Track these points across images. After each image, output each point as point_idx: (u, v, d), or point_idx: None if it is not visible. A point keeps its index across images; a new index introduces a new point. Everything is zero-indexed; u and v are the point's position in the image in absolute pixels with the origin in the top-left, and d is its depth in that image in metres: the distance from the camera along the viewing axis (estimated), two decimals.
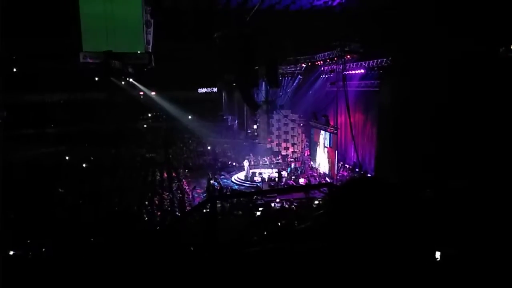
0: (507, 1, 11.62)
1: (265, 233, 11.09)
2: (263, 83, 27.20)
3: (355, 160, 21.73)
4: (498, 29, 11.78)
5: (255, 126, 31.33)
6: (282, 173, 23.41)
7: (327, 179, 22.29)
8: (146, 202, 18.94)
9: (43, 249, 9.99)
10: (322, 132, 23.70)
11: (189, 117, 36.17)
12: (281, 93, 28.64)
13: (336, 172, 21.67)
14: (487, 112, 12.17)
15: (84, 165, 27.24)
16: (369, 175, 19.33)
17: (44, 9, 18.66)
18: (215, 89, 36.82)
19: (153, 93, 35.47)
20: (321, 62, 24.78)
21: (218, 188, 22.13)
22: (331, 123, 22.70)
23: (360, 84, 21.30)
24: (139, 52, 18.91)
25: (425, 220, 1.19)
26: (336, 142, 21.71)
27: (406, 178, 12.49)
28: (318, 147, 24.74)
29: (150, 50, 19.00)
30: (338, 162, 22.41)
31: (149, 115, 38.74)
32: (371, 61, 19.65)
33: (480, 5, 12.08)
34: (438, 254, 2.66)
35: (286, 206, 17.55)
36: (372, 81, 20.02)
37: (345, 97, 18.48)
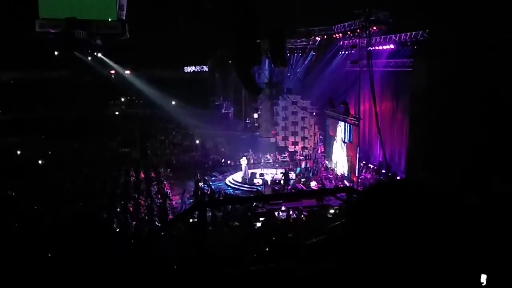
0: None
1: (267, 249, 11.11)
2: (267, 60, 27.13)
3: (381, 159, 21.71)
4: None
5: (255, 115, 31.32)
6: (289, 174, 23.44)
7: (345, 182, 22.31)
8: (118, 209, 18.94)
9: None
10: (341, 123, 23.68)
11: (173, 102, 36.19)
12: (289, 74, 28.59)
13: (357, 174, 21.69)
14: None
15: (40, 161, 27.27)
16: (398, 178, 19.35)
17: None
18: (205, 68, 36.80)
19: (127, 72, 35.46)
20: (340, 35, 24.69)
21: (209, 192, 22.16)
22: (352, 112, 22.66)
23: (389, 63, 21.24)
24: (110, 19, 18.85)
25: (469, 235, 1.20)
26: (358, 136, 21.71)
27: (445, 181, 12.50)
28: (335, 142, 24.74)
29: (124, 18, 18.95)
30: (359, 162, 22.41)
31: (123, 99, 38.78)
32: (403, 34, 19.58)
33: None
34: (484, 278, 2.67)
35: (294, 216, 17.58)
36: (404, 60, 19.98)
37: (370, 79, 18.44)
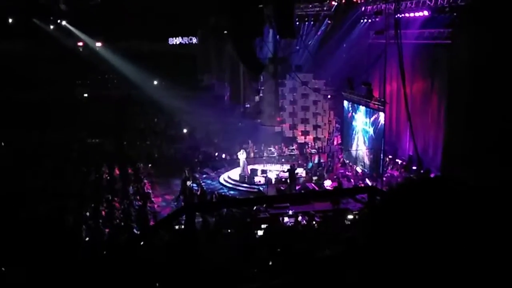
0: None
1: (270, 263, 11.17)
2: (271, 31, 27.05)
3: (411, 153, 21.72)
4: None
5: (257, 98, 31.28)
6: (296, 171, 23.46)
7: (367, 181, 22.36)
8: (88, 213, 18.99)
9: None
10: (362, 108, 23.66)
11: (155, 82, 36.15)
12: (298, 47, 28.51)
13: (381, 171, 21.72)
14: None
15: None
16: (433, 175, 19.37)
17: None
18: (195, 40, 36.70)
19: (98, 44, 35.38)
20: None
21: (199, 192, 22.20)
22: (376, 94, 22.63)
23: (422, 34, 21.18)
24: None
25: None
26: (383, 124, 21.71)
27: (491, 179, 12.49)
28: (354, 131, 24.74)
29: None
30: (385, 156, 22.41)
31: (94, 78, 38.71)
32: None
33: None
34: None
35: (304, 222, 17.64)
36: (441, 30, 19.93)
37: (399, 54, 18.37)
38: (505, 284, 1.10)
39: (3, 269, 10.67)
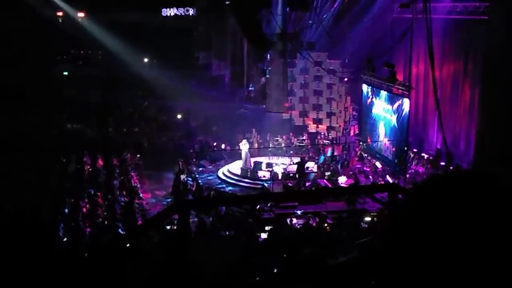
0: None
1: (275, 270, 11.21)
2: (280, 2, 26.99)
3: (439, 146, 21.71)
4: None
5: (262, 80, 31.28)
6: (307, 165, 23.49)
7: (388, 178, 22.39)
8: (66, 210, 19.07)
9: None
10: (383, 93, 23.64)
11: (145, 60, 36.15)
12: (310, 21, 28.44)
13: (405, 166, 21.73)
14: None
15: None
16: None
17: None
18: (192, 11, 36.64)
19: (81, 14, 35.35)
20: None
21: (194, 188, 22.27)
22: (400, 78, 22.59)
23: (454, 8, 21.13)
24: None
25: None
26: (407, 113, 21.70)
27: None
28: (374, 120, 24.74)
29: None
30: (409, 149, 22.41)
31: (75, 53, 38.72)
32: None
33: None
34: None
35: (314, 224, 17.69)
36: (477, 4, 19.90)
37: (427, 31, 18.32)
38: None
39: None
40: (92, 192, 21.02)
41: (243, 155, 24.67)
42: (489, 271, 1.09)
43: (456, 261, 1.10)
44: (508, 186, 1.17)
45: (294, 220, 18.21)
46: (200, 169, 25.52)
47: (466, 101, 21.13)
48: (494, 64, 18.52)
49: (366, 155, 25.44)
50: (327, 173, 23.36)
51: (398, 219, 1.22)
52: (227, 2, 29.22)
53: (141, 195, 21.86)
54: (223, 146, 27.78)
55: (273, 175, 23.31)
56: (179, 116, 32.49)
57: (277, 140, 27.40)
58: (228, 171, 25.18)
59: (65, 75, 37.20)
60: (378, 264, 1.21)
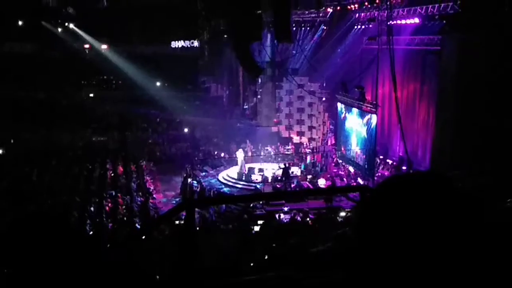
0: None
1: (266, 257, 11.16)
2: (269, 35, 27.03)
3: (402, 154, 21.72)
4: None
5: (254, 100, 31.26)
6: (292, 170, 23.44)
7: (359, 180, 22.36)
8: (92, 208, 18.98)
9: None
10: (355, 110, 23.67)
11: (157, 84, 36.09)
12: (294, 52, 28.49)
13: (373, 171, 21.72)
14: None
15: (0, 150, 27.26)
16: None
17: None
18: (196, 43, 36.67)
19: (104, 46, 35.31)
20: (356, 6, 24.60)
21: (198, 189, 22.20)
22: (369, 98, 22.62)
23: (413, 40, 21.18)
24: None
25: (507, 245, 1.16)
26: (375, 127, 21.71)
27: (477, 179, 12.52)
28: (349, 133, 24.75)
29: None
30: (376, 156, 22.42)
31: (99, 79, 38.63)
32: (430, 7, 19.49)
33: None
34: None
35: (298, 219, 17.64)
36: (431, 37, 19.94)
37: (391, 59, 18.40)
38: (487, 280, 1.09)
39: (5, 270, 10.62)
40: (114, 194, 20.94)
41: (239, 162, 24.66)
42: (438, 253, 1.08)
43: (412, 245, 1.09)
44: (462, 185, 1.17)
45: (282, 216, 18.16)
46: (204, 173, 25.45)
47: (423, 116, 21.16)
48: (446, 86, 18.57)
49: (341, 161, 25.44)
50: (309, 177, 23.33)
51: (365, 213, 1.21)
52: (225, 36, 29.23)
53: (154, 195, 21.79)
54: (222, 154, 27.76)
55: (264, 178, 23.27)
56: (185, 130, 32.46)
57: (267, 149, 27.37)
58: (227, 175, 25.12)
59: (91, 96, 37.08)
60: (350, 250, 1.19)
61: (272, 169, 24.39)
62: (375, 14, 22.34)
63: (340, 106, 25.67)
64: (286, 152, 27.24)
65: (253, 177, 23.79)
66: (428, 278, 1.06)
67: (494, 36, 15.38)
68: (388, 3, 20.47)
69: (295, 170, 23.80)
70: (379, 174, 22.14)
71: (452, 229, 1.07)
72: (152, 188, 22.64)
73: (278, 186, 22.32)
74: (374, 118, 21.65)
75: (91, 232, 16.70)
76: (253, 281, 1.50)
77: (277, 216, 18.10)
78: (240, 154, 24.83)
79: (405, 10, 21.15)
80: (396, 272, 1.09)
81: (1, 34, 30.35)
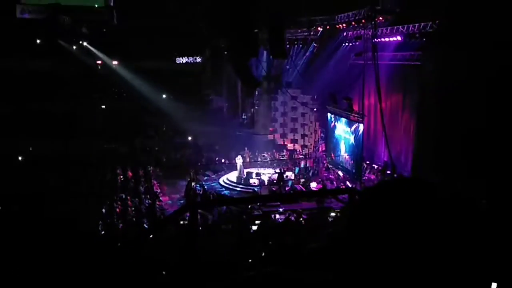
0: None
1: (263, 254, 11.13)
2: (265, 52, 27.10)
3: (386, 159, 21.75)
4: None
5: (252, 110, 31.29)
6: (287, 174, 23.44)
7: (348, 183, 22.36)
8: (104, 210, 18.92)
9: None
10: (343, 120, 23.70)
11: (164, 96, 36.07)
12: (288, 67, 28.57)
13: (360, 175, 21.72)
14: None
15: (20, 158, 27.17)
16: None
17: None
18: (199, 59, 36.72)
19: (115, 62, 35.32)
20: (344, 25, 24.68)
21: (201, 192, 22.15)
22: (356, 108, 22.67)
23: (395, 56, 21.27)
24: (96, 5, 18.81)
25: (479, 241, 1.17)
26: (361, 134, 21.74)
27: (455, 183, 12.53)
28: (338, 140, 24.77)
29: (111, 4, 18.90)
30: (363, 161, 22.43)
31: (110, 92, 38.58)
32: (411, 26, 19.59)
33: None
34: (494, 286, 2.68)
35: (292, 219, 17.61)
36: (412, 53, 20.02)
37: (375, 73, 18.46)
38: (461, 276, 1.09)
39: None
40: (124, 196, 20.88)
41: (238, 167, 24.64)
42: (419, 250, 1.09)
43: (396, 243, 1.10)
44: (440, 188, 1.17)
45: (277, 216, 18.14)
46: (206, 178, 25.44)
47: (405, 125, 21.20)
48: (426, 97, 18.63)
49: (331, 166, 25.45)
50: (302, 180, 23.33)
51: (355, 214, 1.22)
52: (225, 53, 29.29)
53: (161, 198, 21.73)
54: (223, 160, 27.72)
55: (261, 182, 23.26)
56: (189, 138, 32.41)
57: (264, 155, 27.36)
58: (227, 179, 25.10)
59: (103, 108, 37.04)
60: (341, 247, 1.20)
61: (268, 174, 24.38)
62: (361, 33, 22.42)
63: (330, 115, 25.73)
64: (281, 158, 27.23)
65: (251, 181, 23.78)
66: (410, 273, 1.07)
67: (468, 51, 15.44)
68: (373, 22, 20.55)
69: (289, 175, 23.81)
70: (366, 177, 22.16)
71: (432, 230, 1.08)
72: (159, 191, 22.58)
73: (273, 189, 22.30)
74: (360, 127, 21.71)
75: (103, 232, 16.65)
76: (250, 278, 1.48)
77: (273, 216, 18.08)
78: (239, 160, 24.81)
79: (389, 29, 21.25)
80: (382, 267, 1.09)
81: (22, 52, 30.34)
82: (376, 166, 23.08)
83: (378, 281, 1.10)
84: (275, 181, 22.96)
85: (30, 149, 28.38)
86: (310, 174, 24.40)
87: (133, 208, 19.62)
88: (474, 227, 1.13)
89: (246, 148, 27.31)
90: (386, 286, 1.09)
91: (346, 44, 25.30)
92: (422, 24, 18.92)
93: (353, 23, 23.52)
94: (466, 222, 1.12)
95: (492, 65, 14.25)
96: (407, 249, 1.08)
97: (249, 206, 18.57)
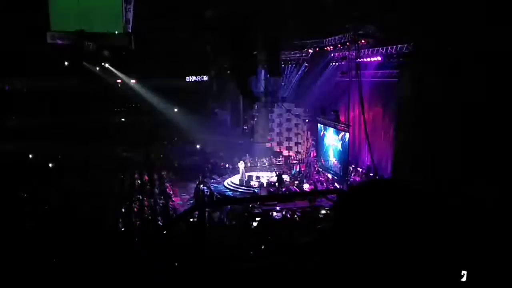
0: None
1: (263, 247, 11.09)
2: (263, 71, 27.16)
3: (369, 163, 21.74)
4: None
5: (252, 122, 31.28)
6: (283, 177, 23.40)
7: (336, 185, 22.31)
8: (123, 209, 18.88)
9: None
10: (331, 129, 23.70)
11: (175, 109, 36.11)
12: (283, 83, 28.62)
13: (347, 177, 21.68)
14: None
15: (50, 164, 27.14)
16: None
17: None
18: (206, 78, 36.78)
19: (133, 81, 35.40)
20: (331, 47, 24.77)
21: (208, 193, 22.10)
22: (342, 119, 22.69)
23: (376, 74, 21.31)
24: (117, 32, 18.87)
25: (452, 233, 1.16)
26: (347, 142, 21.73)
27: (430, 186, 12.51)
28: (327, 147, 24.76)
29: (130, 30, 18.96)
30: (349, 165, 22.40)
31: (129, 106, 38.62)
32: (389, 47, 19.65)
33: None
34: (464, 273, 2.66)
35: (288, 216, 17.56)
36: (391, 71, 20.04)
37: (359, 89, 18.49)
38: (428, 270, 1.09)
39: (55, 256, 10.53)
40: (141, 197, 20.84)
41: (240, 171, 24.62)
42: (394, 238, 1.08)
43: (376, 233, 1.10)
44: (416, 188, 1.17)
45: (275, 214, 18.09)
46: (212, 181, 25.38)
47: (385, 134, 21.19)
48: (403, 110, 18.64)
49: (321, 170, 25.41)
50: (296, 182, 23.31)
51: (340, 210, 1.22)
52: (228, 72, 29.37)
53: (173, 199, 21.69)
54: (227, 165, 27.68)
55: (260, 184, 23.23)
56: (198, 146, 32.40)
57: (263, 161, 27.33)
58: (231, 182, 25.06)
59: (122, 121, 37.06)
60: (328, 242, 1.19)
61: (267, 177, 24.37)
62: (346, 54, 22.50)
63: (319, 126, 25.73)
64: (278, 163, 27.20)
65: (252, 183, 23.76)
66: (386, 259, 1.07)
67: (438, 69, 15.51)
68: (356, 45, 20.64)
69: (285, 177, 23.79)
70: (352, 179, 22.12)
71: (403, 222, 1.08)
72: (171, 192, 22.54)
73: (271, 190, 22.29)
74: (347, 135, 21.72)
75: (122, 228, 16.60)
76: (252, 268, 1.47)
77: (271, 214, 18.03)
78: (241, 165, 24.80)
79: (370, 50, 21.31)
80: (364, 253, 1.09)
81: (52, 73, 30.38)
82: (360, 170, 23.05)
83: (360, 267, 1.09)
84: (273, 183, 22.95)
85: (59, 156, 28.34)
86: (303, 177, 24.37)
87: (149, 208, 19.57)
88: (440, 219, 1.13)
89: (247, 155, 27.29)
90: (367, 271, 1.08)
91: (333, 63, 25.36)
92: (399, 46, 18.98)
93: (339, 45, 23.59)
94: (433, 215, 1.12)
95: (458, 80, 14.29)
96: (384, 239, 1.07)
97: (250, 205, 18.54)
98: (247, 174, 24.61)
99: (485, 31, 13.02)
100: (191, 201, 21.47)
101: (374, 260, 1.11)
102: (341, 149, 22.62)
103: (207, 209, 15.64)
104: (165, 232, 9.83)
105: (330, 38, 24.33)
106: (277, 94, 28.36)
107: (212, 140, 32.09)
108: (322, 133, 25.45)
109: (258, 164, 26.96)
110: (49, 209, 18.35)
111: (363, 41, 21.17)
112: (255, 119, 30.34)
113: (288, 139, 28.45)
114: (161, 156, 31.01)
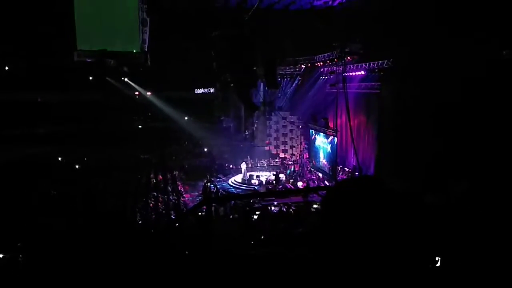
0: (509, 1, 11.67)
1: (262, 237, 11.06)
2: (262, 84, 27.20)
3: (354, 164, 21.73)
4: (502, 31, 11.82)
5: (253, 128, 31.30)
6: (280, 176, 23.39)
7: (326, 182, 22.28)
8: (140, 205, 18.87)
9: (31, 254, 9.92)
10: (321, 134, 23.70)
11: (185, 118, 36.14)
12: (279, 95, 28.65)
13: (335, 176, 21.65)
14: (492, 116, 12.17)
15: (77, 166, 27.13)
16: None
17: (40, 8, 18.71)
18: (212, 90, 36.81)
19: (149, 93, 35.43)
20: (321, 63, 24.81)
21: (214, 191, 22.10)
22: (331, 125, 22.69)
23: (360, 86, 21.34)
24: (134, 51, 18.92)
25: (427, 225, 1.15)
26: (335, 145, 21.72)
27: (407, 183, 12.49)
28: (318, 149, 24.76)
29: (146, 49, 19.00)
30: (337, 165, 22.39)
31: (145, 115, 38.66)
32: (371, 63, 19.68)
33: (482, 5, 12.12)
34: (438, 260, 2.65)
35: (284, 210, 17.54)
36: (373, 83, 20.05)
37: (345, 99, 18.46)
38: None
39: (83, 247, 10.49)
40: (156, 194, 20.84)
41: (242, 171, 24.62)
42: (374, 228, 1.08)
43: (359, 227, 1.09)
44: (393, 186, 1.17)
45: (273, 208, 18.07)
46: (218, 179, 25.37)
47: (368, 138, 21.20)
48: (384, 117, 18.67)
49: (313, 169, 25.40)
50: (291, 180, 23.29)
51: (326, 204, 1.21)
52: (231, 85, 29.39)
53: (184, 195, 21.68)
54: (231, 166, 27.69)
55: (260, 182, 23.22)
56: (205, 149, 32.41)
57: (262, 162, 27.33)
58: (234, 180, 25.05)
59: (139, 127, 37.08)
60: (315, 233, 1.19)
61: (265, 176, 24.35)
62: (334, 69, 22.54)
63: (311, 131, 25.74)
64: (275, 164, 27.20)
65: (252, 181, 23.74)
66: (365, 248, 1.06)
67: (414, 81, 15.54)
68: (343, 61, 20.66)
69: (282, 176, 23.77)
70: (340, 178, 22.09)
71: (381, 214, 1.08)
72: (182, 190, 22.53)
73: (269, 187, 22.26)
74: (335, 139, 21.72)
75: (140, 222, 16.58)
76: (252, 255, 1.47)
77: (269, 208, 18.01)
78: (243, 166, 24.81)
79: (355, 66, 21.34)
80: (347, 243, 1.08)
81: (79, 86, 30.42)
82: (347, 169, 23.04)
83: (344, 255, 1.09)
84: (271, 181, 22.94)
85: (85, 159, 28.36)
86: (297, 175, 24.35)
87: (162, 203, 19.56)
88: (415, 211, 1.12)
89: (248, 156, 27.29)
90: (349, 259, 1.08)
91: (323, 77, 25.40)
92: (380, 62, 19.01)
93: (328, 61, 23.64)
94: (408, 208, 1.11)
95: (433, 92, 14.30)
96: (365, 230, 1.07)
97: (251, 201, 18.55)
98: (248, 173, 24.60)
99: (447, 44, 13.09)
100: (200, 197, 21.46)
101: (353, 248, 1.10)
102: (330, 151, 22.61)
103: (213, 204, 15.63)
104: (177, 224, 9.80)
105: (320, 55, 24.39)
106: (274, 104, 28.42)
107: (218, 144, 32.11)
108: (313, 137, 25.46)
109: (258, 165, 26.96)
110: (76, 204, 18.31)
111: (348, 57, 21.22)
112: (255, 125, 30.38)
113: (284, 143, 28.46)
114: (174, 158, 31.00)
